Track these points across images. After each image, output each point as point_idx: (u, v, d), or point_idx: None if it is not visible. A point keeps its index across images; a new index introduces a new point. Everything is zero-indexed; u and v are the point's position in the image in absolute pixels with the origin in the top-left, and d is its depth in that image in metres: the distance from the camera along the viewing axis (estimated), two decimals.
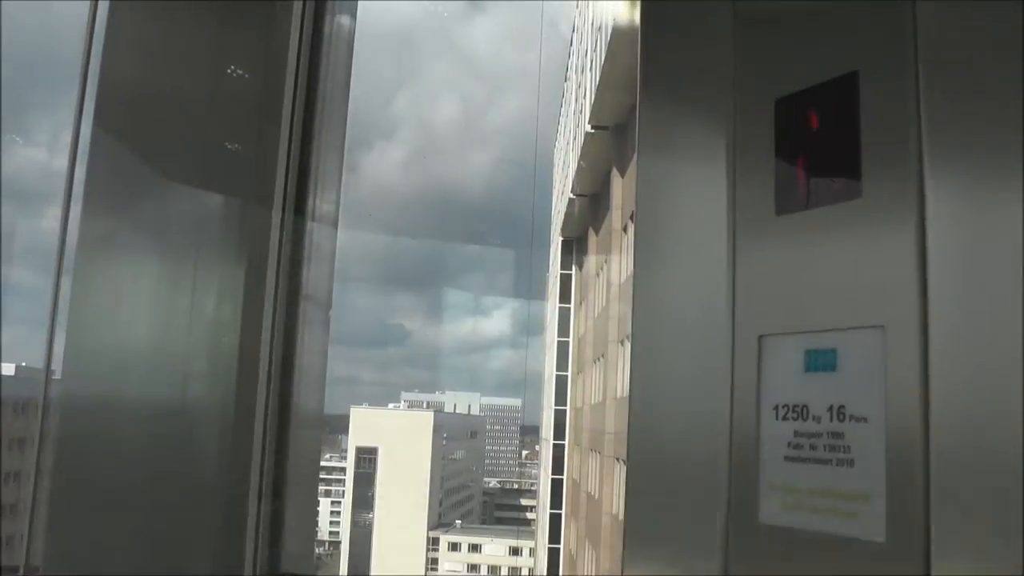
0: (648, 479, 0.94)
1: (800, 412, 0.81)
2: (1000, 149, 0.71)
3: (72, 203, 1.59)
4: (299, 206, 1.73)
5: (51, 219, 1.63)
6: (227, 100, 1.64)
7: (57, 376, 1.69)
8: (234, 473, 1.89)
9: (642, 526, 0.94)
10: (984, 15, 0.73)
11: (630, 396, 0.96)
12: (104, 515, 1.73)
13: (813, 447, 0.80)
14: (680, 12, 0.98)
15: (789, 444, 0.82)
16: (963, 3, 0.74)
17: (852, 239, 0.79)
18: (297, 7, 1.65)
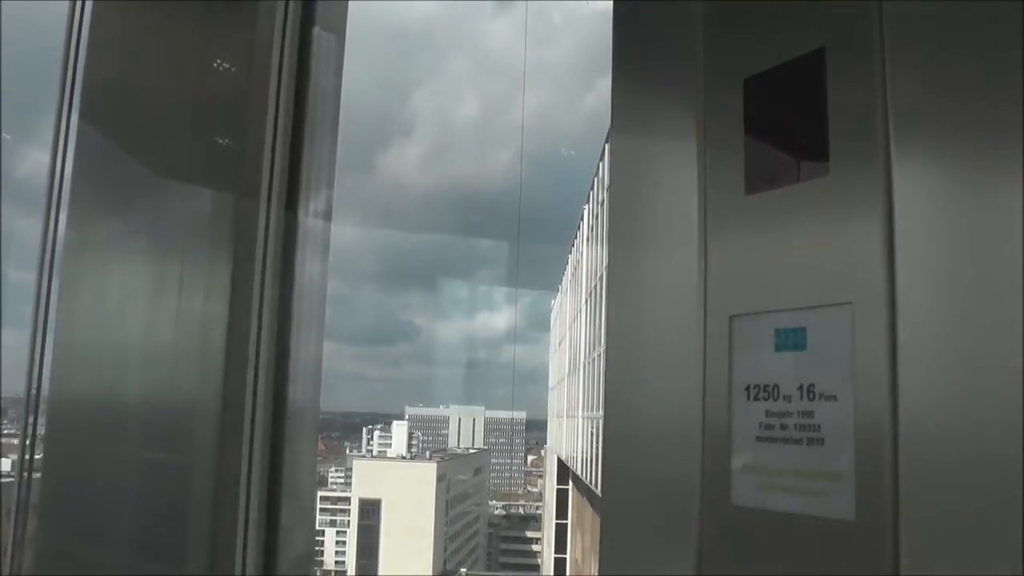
0: (622, 461, 0.93)
1: (771, 392, 0.80)
2: (968, 125, 0.70)
3: (57, 202, 1.59)
4: (289, 202, 1.73)
5: (36, 218, 1.63)
6: (213, 94, 1.63)
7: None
8: (225, 475, 1.88)
9: (617, 508, 0.93)
10: None
11: (605, 379, 0.96)
12: (90, 514, 1.72)
13: (784, 427, 0.79)
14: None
15: (761, 425, 0.81)
16: None
17: (820, 217, 0.78)
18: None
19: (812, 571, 0.75)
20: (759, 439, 0.81)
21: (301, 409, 2.06)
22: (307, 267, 1.94)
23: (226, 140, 1.65)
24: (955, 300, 0.69)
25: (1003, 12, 0.68)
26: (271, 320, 1.88)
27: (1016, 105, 0.67)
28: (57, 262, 1.64)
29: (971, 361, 0.68)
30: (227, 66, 1.62)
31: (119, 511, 1.76)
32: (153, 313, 1.78)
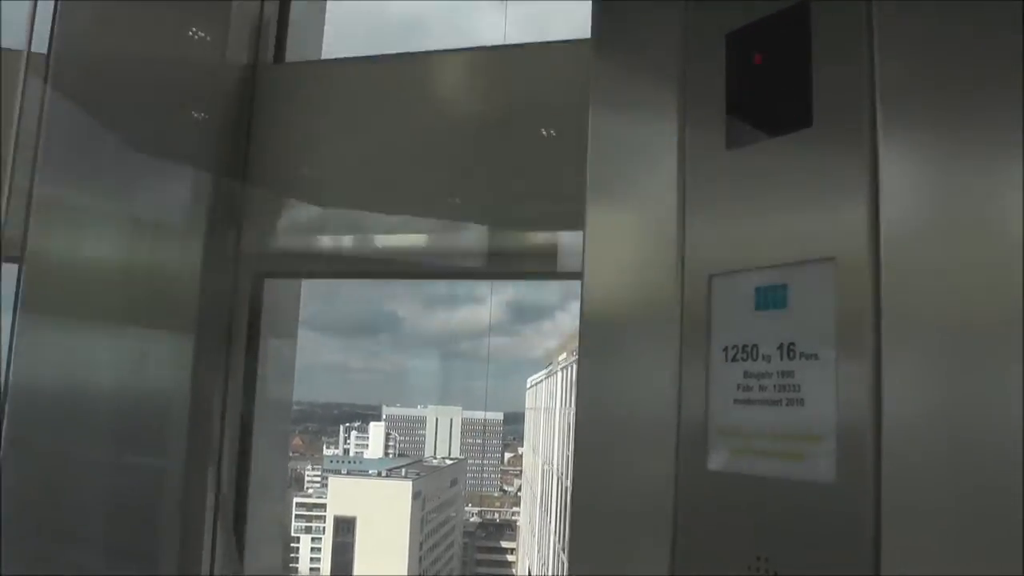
0: (594, 428, 0.91)
1: (750, 352, 0.78)
2: (955, 78, 0.68)
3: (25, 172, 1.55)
4: (263, 175, 1.69)
5: None
6: (188, 64, 1.59)
7: None
8: (193, 471, 1.85)
9: (589, 474, 0.91)
10: None
11: (579, 347, 0.93)
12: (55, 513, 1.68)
13: (763, 388, 0.77)
14: None
15: (739, 387, 0.79)
16: None
17: (803, 170, 0.76)
18: None
19: (791, 535, 0.73)
20: (737, 401, 0.79)
21: (274, 402, 2.02)
22: (283, 248, 1.91)
23: (201, 114, 1.62)
24: (941, 256, 0.67)
25: None
26: (245, 304, 1.85)
27: (1010, 60, 0.65)
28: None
29: (957, 318, 0.66)
30: (203, 35, 1.58)
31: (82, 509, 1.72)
32: (122, 297, 1.74)
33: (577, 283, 0.94)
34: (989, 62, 0.66)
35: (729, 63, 0.83)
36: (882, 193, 0.70)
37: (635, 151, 0.92)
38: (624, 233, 0.91)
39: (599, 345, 0.92)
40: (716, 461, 0.80)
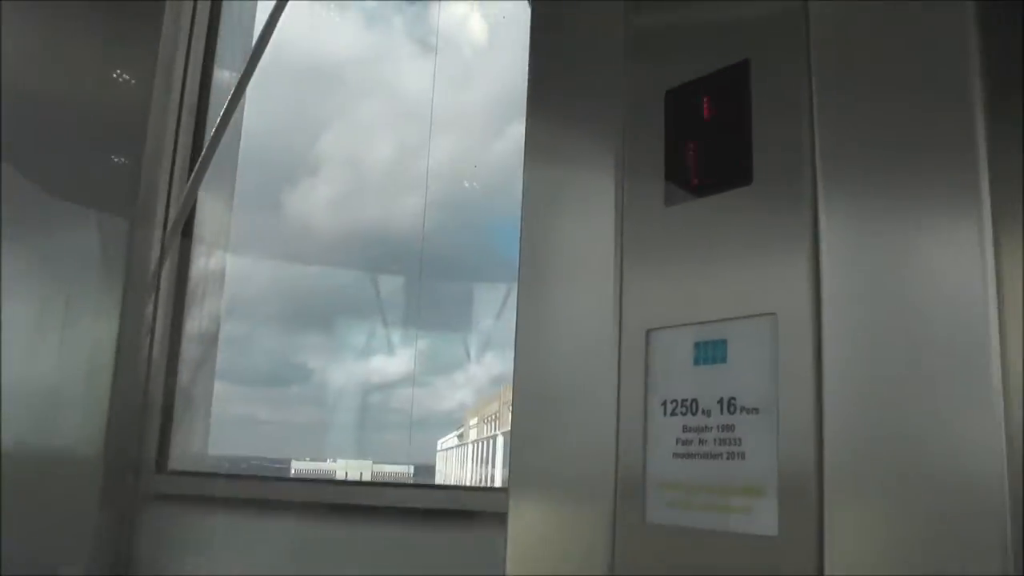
0: (530, 482, 0.90)
1: (689, 407, 0.79)
2: (893, 137, 0.70)
3: None
4: (186, 228, 1.66)
5: None
6: (111, 108, 1.55)
7: None
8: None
9: (525, 531, 0.90)
10: (876, 6, 0.73)
11: (513, 402, 0.93)
12: None
13: (703, 442, 0.77)
14: (571, 10, 0.97)
15: (678, 440, 0.79)
16: None
17: (743, 227, 0.77)
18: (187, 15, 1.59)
19: None
20: (676, 455, 0.79)
21: (189, 449, 1.98)
22: (203, 301, 1.87)
23: (121, 159, 1.58)
24: (881, 310, 0.68)
25: (932, 19, 0.69)
26: (165, 348, 1.81)
27: (947, 123, 0.67)
28: None
29: (898, 370, 0.67)
30: (128, 77, 1.55)
31: None
32: (36, 345, 1.68)
33: (493, 334, 0.94)
34: (926, 124, 0.68)
35: (669, 120, 0.84)
36: (822, 250, 0.71)
37: (571, 206, 0.92)
38: (559, 287, 0.91)
39: (533, 399, 0.91)
40: (655, 514, 0.79)
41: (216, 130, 1.60)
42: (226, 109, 1.61)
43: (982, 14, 0.66)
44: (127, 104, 1.55)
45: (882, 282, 0.68)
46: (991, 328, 0.62)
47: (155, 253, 1.65)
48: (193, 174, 1.59)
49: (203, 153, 1.61)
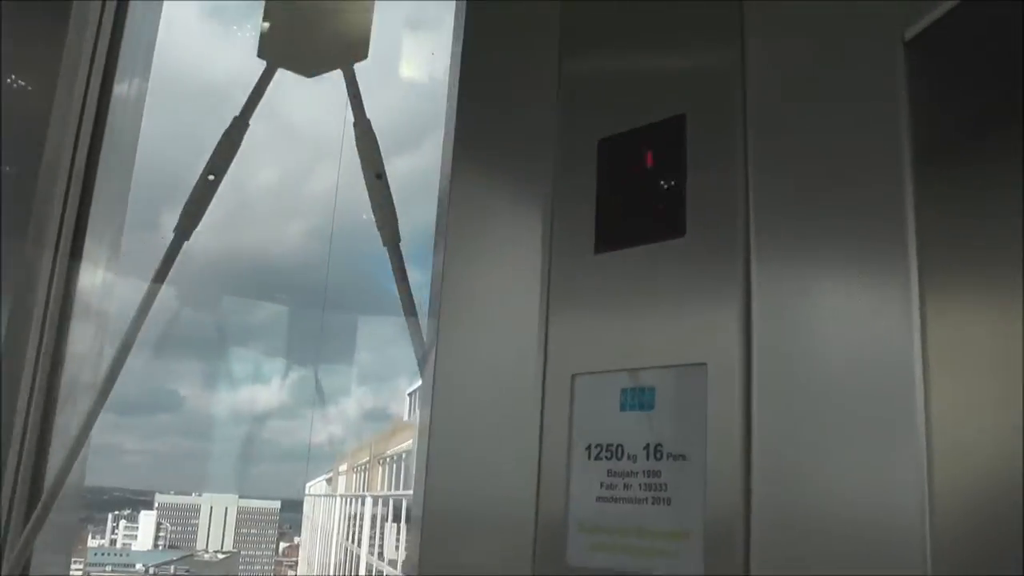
0: (446, 527, 0.90)
1: (615, 451, 0.79)
2: (826, 194, 0.72)
3: None
4: (74, 249, 1.60)
5: None
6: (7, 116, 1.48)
7: None
8: None
9: (437, 566, 0.89)
10: (811, 64, 0.75)
11: (429, 445, 0.92)
12: None
13: (628, 486, 0.78)
14: (501, 62, 0.98)
15: (602, 484, 0.80)
16: (791, 50, 0.77)
17: (675, 278, 0.79)
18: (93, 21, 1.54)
19: None
20: (599, 499, 0.80)
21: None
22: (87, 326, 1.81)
23: (14, 167, 1.51)
24: (811, 361, 0.70)
25: (865, 79, 0.72)
26: (44, 382, 1.73)
27: (880, 175, 0.70)
28: None
29: (823, 423, 0.69)
30: (23, 83, 1.48)
31: None
32: None
33: (368, 365, 0.93)
34: (857, 185, 0.70)
35: (602, 168, 0.86)
36: (754, 302, 0.74)
37: (497, 247, 0.93)
38: (481, 329, 0.92)
39: (450, 433, 0.91)
40: (576, 557, 0.80)
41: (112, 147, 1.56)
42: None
43: (912, 84, 0.69)
44: (24, 113, 1.49)
45: (811, 335, 0.71)
46: (916, 383, 0.65)
47: (44, 273, 1.59)
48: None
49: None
